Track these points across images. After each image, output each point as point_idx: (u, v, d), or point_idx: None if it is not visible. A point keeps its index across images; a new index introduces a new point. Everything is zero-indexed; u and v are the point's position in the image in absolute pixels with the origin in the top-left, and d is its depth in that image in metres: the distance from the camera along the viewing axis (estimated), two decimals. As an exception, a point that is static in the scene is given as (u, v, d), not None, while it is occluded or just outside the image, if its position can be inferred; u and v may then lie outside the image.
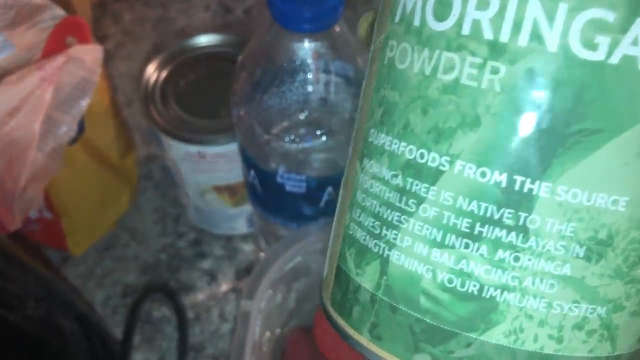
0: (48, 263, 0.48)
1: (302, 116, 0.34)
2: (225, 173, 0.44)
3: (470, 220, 0.17)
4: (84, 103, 0.41)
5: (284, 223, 0.39)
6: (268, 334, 0.37)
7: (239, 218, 0.49)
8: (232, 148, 0.41)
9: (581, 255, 0.16)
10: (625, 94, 0.15)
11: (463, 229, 0.17)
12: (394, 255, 0.18)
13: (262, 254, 0.47)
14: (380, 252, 0.18)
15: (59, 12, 0.41)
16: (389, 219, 0.18)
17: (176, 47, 0.45)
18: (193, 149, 0.41)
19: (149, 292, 0.47)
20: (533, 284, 0.17)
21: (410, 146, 0.17)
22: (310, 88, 0.33)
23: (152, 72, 0.44)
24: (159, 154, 0.55)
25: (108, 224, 0.50)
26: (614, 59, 0.15)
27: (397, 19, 0.18)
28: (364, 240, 0.19)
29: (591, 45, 0.15)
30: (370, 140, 0.19)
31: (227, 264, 0.50)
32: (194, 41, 0.45)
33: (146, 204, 0.53)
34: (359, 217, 0.19)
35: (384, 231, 0.18)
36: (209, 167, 0.43)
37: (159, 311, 0.48)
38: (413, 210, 0.18)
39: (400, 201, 0.18)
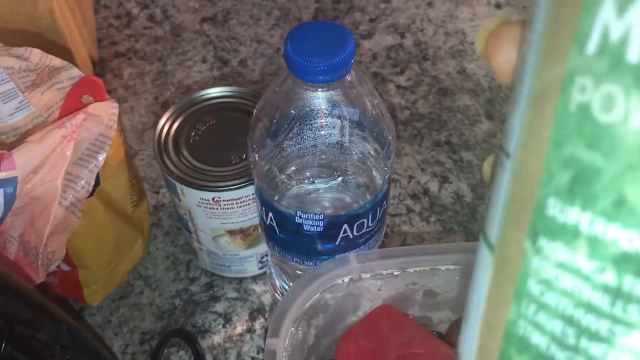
0: (72, 311, 0.49)
1: (317, 159, 0.37)
2: (238, 217, 0.45)
3: None
4: (101, 157, 0.43)
5: (301, 261, 0.41)
6: (292, 370, 0.39)
7: (251, 260, 0.50)
8: (244, 193, 0.43)
9: None
10: None
11: None
12: None
13: (277, 295, 0.49)
14: None
15: (76, 72, 0.43)
16: (593, 328, 0.14)
17: (184, 101, 0.47)
18: (208, 195, 0.43)
19: (169, 337, 0.48)
20: None
21: (630, 232, 0.13)
22: (324, 133, 0.36)
23: (163, 124, 0.46)
24: (167, 202, 0.57)
25: (123, 273, 0.51)
26: None
27: (590, 48, 0.13)
28: (548, 349, 0.15)
29: None
30: (550, 213, 0.14)
31: (240, 305, 0.51)
32: (200, 94, 0.48)
33: (157, 252, 0.55)
34: (536, 315, 0.15)
35: (583, 343, 0.14)
36: (223, 212, 0.45)
37: (176, 356, 0.49)
38: (635, 320, 0.13)
39: (612, 305, 0.13)
